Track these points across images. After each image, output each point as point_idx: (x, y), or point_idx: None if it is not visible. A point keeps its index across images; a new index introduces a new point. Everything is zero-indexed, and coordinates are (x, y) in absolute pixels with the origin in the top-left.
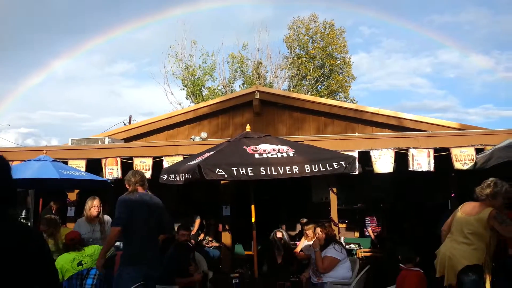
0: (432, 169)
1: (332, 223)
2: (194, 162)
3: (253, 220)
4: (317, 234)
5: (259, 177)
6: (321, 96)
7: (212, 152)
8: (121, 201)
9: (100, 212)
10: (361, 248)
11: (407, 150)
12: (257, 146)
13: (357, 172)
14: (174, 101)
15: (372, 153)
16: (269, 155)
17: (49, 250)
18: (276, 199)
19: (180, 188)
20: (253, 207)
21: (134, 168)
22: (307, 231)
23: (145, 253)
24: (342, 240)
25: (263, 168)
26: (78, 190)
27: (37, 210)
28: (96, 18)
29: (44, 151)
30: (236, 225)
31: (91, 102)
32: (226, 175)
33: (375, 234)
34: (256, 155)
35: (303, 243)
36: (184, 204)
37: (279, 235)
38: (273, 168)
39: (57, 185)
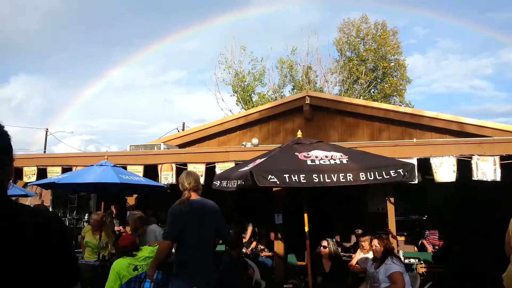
0: (498, 178)
1: (390, 235)
2: (246, 168)
3: (306, 229)
4: (373, 247)
5: (312, 184)
6: (374, 100)
7: (263, 159)
8: (172, 213)
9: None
10: (421, 263)
11: (471, 158)
12: (309, 153)
13: (416, 181)
14: (224, 108)
15: (432, 161)
16: (321, 161)
17: (71, 242)
18: (330, 207)
19: (233, 195)
20: (306, 216)
21: None
22: (363, 243)
23: (197, 266)
24: (400, 254)
25: (316, 175)
26: (136, 195)
27: None
28: (150, 30)
29: (106, 157)
30: (289, 234)
31: (146, 109)
32: (278, 182)
33: (436, 248)
34: (308, 162)
35: (358, 255)
36: (236, 211)
37: (324, 243)
38: (326, 175)
39: (117, 189)
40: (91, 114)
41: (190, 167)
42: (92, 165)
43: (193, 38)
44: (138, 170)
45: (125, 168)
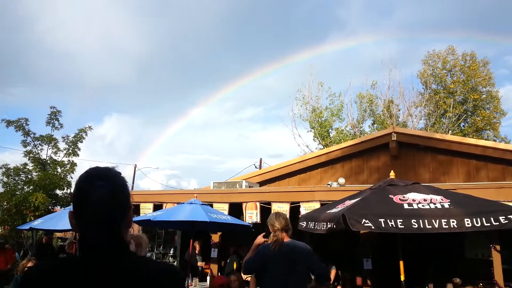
0: None
1: (497, 287)
2: (335, 210)
3: (402, 278)
4: None
5: (410, 230)
6: (464, 135)
7: (355, 200)
8: (259, 249)
9: None
10: None
11: None
12: (405, 195)
13: None
14: (301, 143)
15: None
16: (420, 205)
17: None
18: (422, 251)
19: (315, 235)
20: (401, 263)
21: None
22: None
23: None
24: None
25: (415, 220)
26: (221, 233)
27: (183, 249)
28: (228, 69)
29: (195, 195)
30: (377, 281)
31: (223, 145)
32: (373, 227)
33: None
34: (406, 206)
35: None
36: (319, 252)
37: None
38: (426, 221)
39: (204, 226)
40: (172, 150)
41: (275, 206)
42: (183, 203)
43: (270, 75)
44: (224, 208)
45: (211, 205)
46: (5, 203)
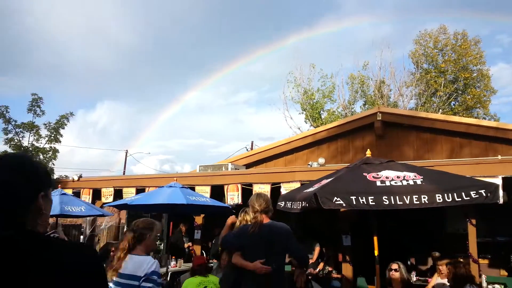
0: None
1: (471, 260)
2: (310, 189)
3: (376, 253)
4: (438, 271)
5: (381, 207)
6: (455, 114)
7: (329, 180)
8: (237, 230)
9: None
10: None
11: None
12: (378, 173)
13: (501, 202)
14: (293, 126)
15: None
16: (392, 182)
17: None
18: (404, 228)
19: (299, 215)
20: (375, 239)
21: None
22: (440, 267)
23: None
24: (483, 279)
25: (386, 197)
26: (204, 215)
27: (169, 232)
28: (222, 51)
29: (175, 178)
30: (358, 256)
31: (217, 129)
32: (344, 205)
33: None
34: (378, 183)
35: (435, 280)
36: (302, 230)
37: (394, 266)
38: (397, 197)
39: (186, 209)
40: (166, 136)
41: (256, 188)
42: (162, 186)
43: (263, 59)
44: (206, 191)
45: (193, 189)
46: None
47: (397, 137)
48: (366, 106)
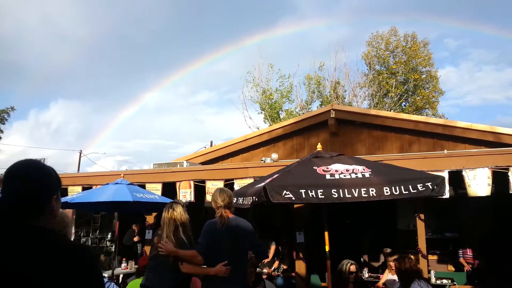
0: None
1: (420, 255)
2: (261, 184)
3: (326, 248)
4: (389, 267)
5: (330, 200)
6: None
7: (279, 174)
8: (206, 229)
9: None
10: (455, 284)
11: (507, 169)
12: (328, 167)
13: (447, 196)
14: (252, 125)
15: (465, 173)
16: (341, 176)
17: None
18: (357, 224)
19: (256, 212)
20: (326, 234)
21: (207, 192)
22: (391, 263)
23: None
24: (432, 274)
25: (335, 190)
26: (156, 213)
27: (122, 233)
28: (180, 53)
29: (122, 175)
30: (312, 253)
31: (177, 130)
32: (293, 198)
33: (470, 267)
34: (327, 176)
35: (386, 276)
36: (259, 228)
37: (353, 268)
38: (346, 190)
39: (136, 208)
40: (125, 136)
41: (209, 184)
42: (108, 183)
43: (223, 60)
44: (157, 188)
45: (143, 186)
46: None
47: (350, 134)
48: (323, 106)
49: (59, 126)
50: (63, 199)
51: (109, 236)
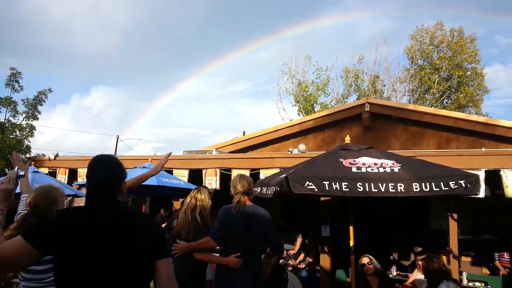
0: None
1: (451, 255)
2: (284, 175)
3: (351, 243)
4: (418, 266)
5: (355, 193)
6: None
7: (303, 164)
8: (222, 214)
9: None
10: None
11: None
12: (355, 159)
13: (482, 195)
14: (286, 117)
15: (502, 173)
16: (368, 169)
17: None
18: (388, 221)
19: (283, 204)
20: (351, 228)
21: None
22: (420, 262)
23: (238, 276)
24: (464, 276)
25: (361, 183)
26: (183, 199)
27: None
28: (220, 42)
29: (150, 160)
30: (339, 248)
31: (213, 119)
32: (316, 190)
33: (507, 271)
34: (354, 169)
35: (415, 275)
36: (285, 220)
37: (365, 260)
38: (372, 184)
39: (163, 193)
40: (161, 123)
41: (234, 173)
42: (136, 167)
43: (262, 50)
44: (184, 174)
45: (171, 172)
46: None
47: (384, 129)
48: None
49: (99, 111)
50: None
51: None
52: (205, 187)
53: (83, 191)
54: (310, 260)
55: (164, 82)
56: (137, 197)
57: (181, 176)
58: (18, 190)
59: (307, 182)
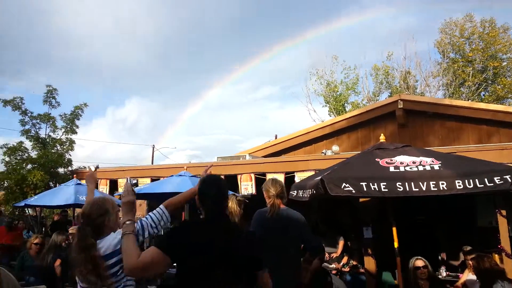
0: None
1: (503, 254)
2: (319, 177)
3: (395, 245)
4: (468, 266)
5: (394, 193)
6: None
7: (338, 166)
8: (256, 218)
9: None
10: None
11: None
12: (392, 158)
13: None
14: (317, 119)
15: None
16: (407, 168)
17: None
18: (434, 220)
19: (322, 207)
20: (394, 229)
21: None
22: (470, 262)
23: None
24: None
25: (400, 183)
26: None
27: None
28: (241, 49)
29: (185, 167)
30: (382, 250)
31: (242, 125)
32: (354, 191)
33: None
34: (391, 169)
35: (466, 275)
36: (325, 223)
37: (420, 263)
38: (413, 183)
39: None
40: (194, 131)
41: (269, 177)
42: (172, 175)
43: (284, 54)
44: None
45: None
46: (5, 182)
47: (420, 125)
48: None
49: (134, 122)
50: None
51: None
52: (234, 194)
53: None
54: (354, 263)
55: (192, 91)
56: None
57: None
58: (60, 202)
59: (344, 184)
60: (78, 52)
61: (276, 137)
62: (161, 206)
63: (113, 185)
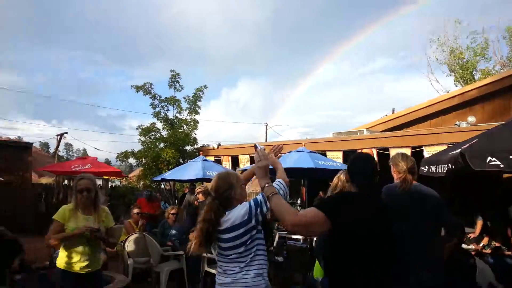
0: None
1: None
2: (457, 150)
3: None
4: None
5: None
6: None
7: (479, 138)
8: (383, 193)
9: None
10: None
11: None
12: None
13: None
14: (440, 89)
15: None
16: None
17: None
18: None
19: (457, 183)
20: None
21: None
22: None
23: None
24: None
25: None
26: None
27: (310, 199)
28: (351, 21)
29: (303, 144)
30: None
31: (354, 100)
32: (502, 165)
33: None
34: None
35: None
36: (459, 200)
37: None
38: None
39: (319, 175)
40: (305, 109)
41: (393, 152)
42: (290, 151)
43: (399, 23)
44: (337, 156)
45: (324, 154)
46: (143, 159)
47: None
48: None
49: (247, 102)
50: (248, 166)
51: (298, 201)
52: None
53: None
54: (497, 244)
55: (301, 69)
56: (295, 179)
57: (335, 158)
58: (190, 177)
59: (489, 157)
60: (190, 41)
61: (393, 111)
62: (279, 179)
63: (235, 161)
